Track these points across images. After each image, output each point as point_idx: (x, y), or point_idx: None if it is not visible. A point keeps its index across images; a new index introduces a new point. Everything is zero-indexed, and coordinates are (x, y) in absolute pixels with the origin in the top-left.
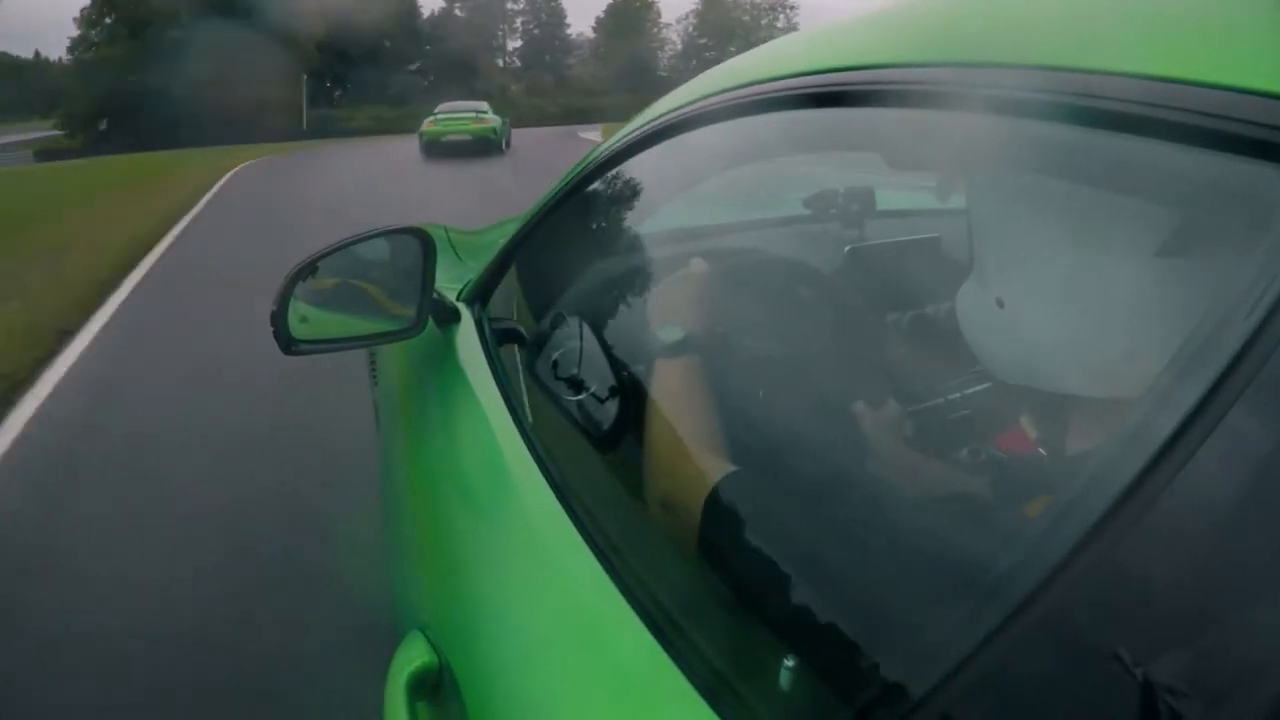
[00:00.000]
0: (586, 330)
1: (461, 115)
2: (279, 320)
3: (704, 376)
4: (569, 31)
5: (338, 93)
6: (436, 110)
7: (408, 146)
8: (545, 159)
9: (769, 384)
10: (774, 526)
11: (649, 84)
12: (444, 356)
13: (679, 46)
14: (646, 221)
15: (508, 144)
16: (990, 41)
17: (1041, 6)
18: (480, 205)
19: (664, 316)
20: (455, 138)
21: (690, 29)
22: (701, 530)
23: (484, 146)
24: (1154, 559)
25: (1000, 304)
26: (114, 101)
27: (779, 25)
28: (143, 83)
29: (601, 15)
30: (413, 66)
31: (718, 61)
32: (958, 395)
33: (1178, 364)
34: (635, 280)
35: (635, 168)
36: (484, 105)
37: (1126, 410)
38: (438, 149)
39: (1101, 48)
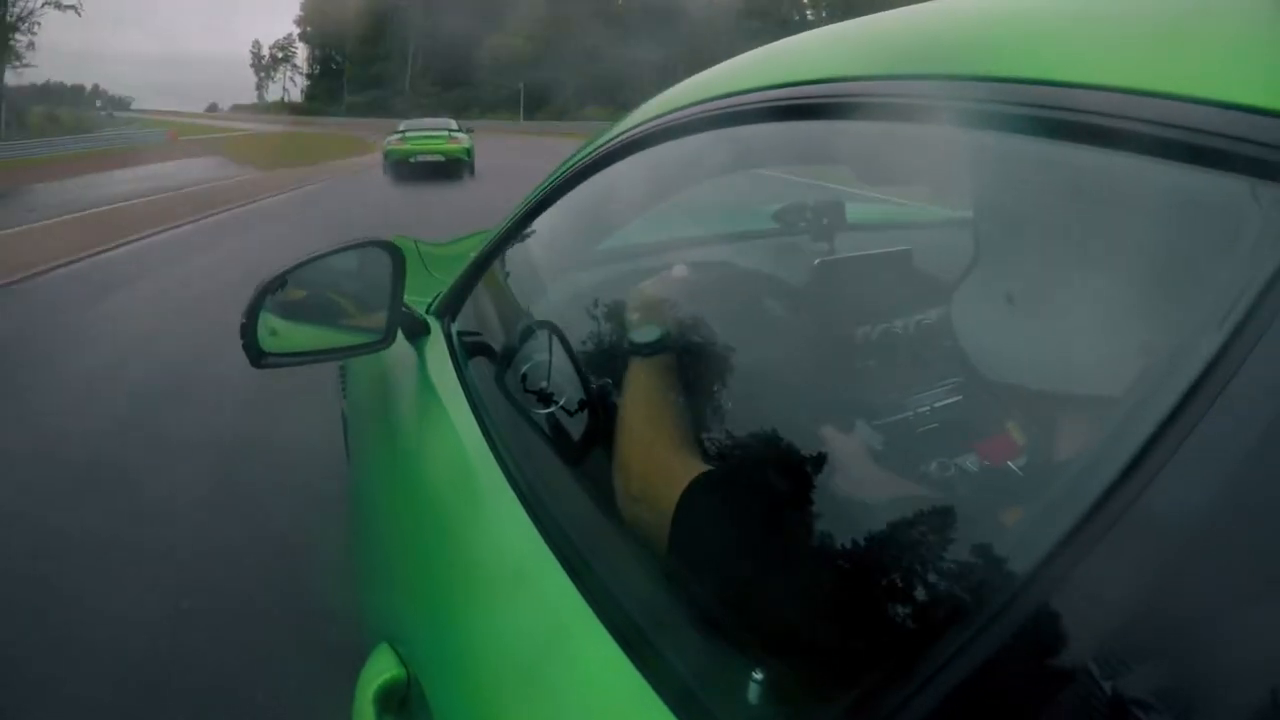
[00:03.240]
0: (555, 343)
1: (434, 134)
2: (248, 333)
3: (673, 390)
4: None
5: None
6: (401, 126)
7: None
8: None
9: (739, 397)
10: (743, 540)
11: None
12: (413, 369)
13: None
14: (616, 234)
15: (472, 169)
16: (964, 54)
17: (1014, 21)
18: None
19: (634, 329)
20: (426, 158)
21: None
22: (670, 543)
23: (456, 168)
24: (1137, 564)
25: (1010, 300)
26: None
27: None
28: None
29: None
30: None
31: None
32: (927, 408)
33: (1161, 368)
34: (604, 293)
35: (605, 181)
36: (453, 123)
37: (1106, 417)
38: (405, 170)
39: (1076, 61)
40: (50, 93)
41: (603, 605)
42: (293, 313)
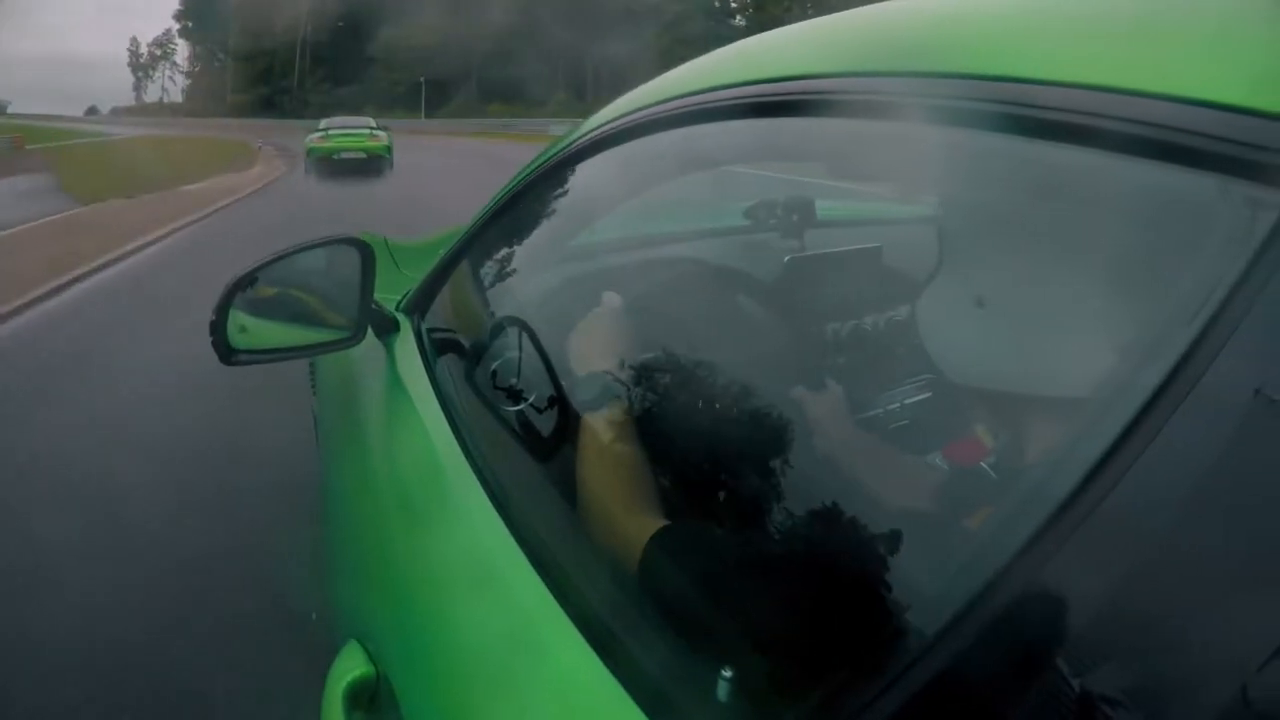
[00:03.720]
0: (525, 340)
1: (356, 131)
2: (218, 330)
3: (643, 387)
4: None
5: None
6: (322, 124)
7: None
8: None
9: (708, 394)
10: (712, 537)
11: None
12: (383, 366)
13: None
14: (586, 231)
15: (391, 164)
16: (937, 52)
17: (985, 18)
18: None
19: (602, 332)
20: (350, 155)
21: None
22: (640, 541)
23: (377, 164)
24: (1106, 563)
25: (978, 300)
26: None
27: None
28: None
29: None
30: None
31: None
32: (898, 405)
33: (1130, 368)
34: (575, 290)
35: (576, 177)
36: (372, 121)
37: (1076, 416)
38: (329, 167)
39: (1045, 58)
40: None
41: (572, 603)
42: (262, 310)
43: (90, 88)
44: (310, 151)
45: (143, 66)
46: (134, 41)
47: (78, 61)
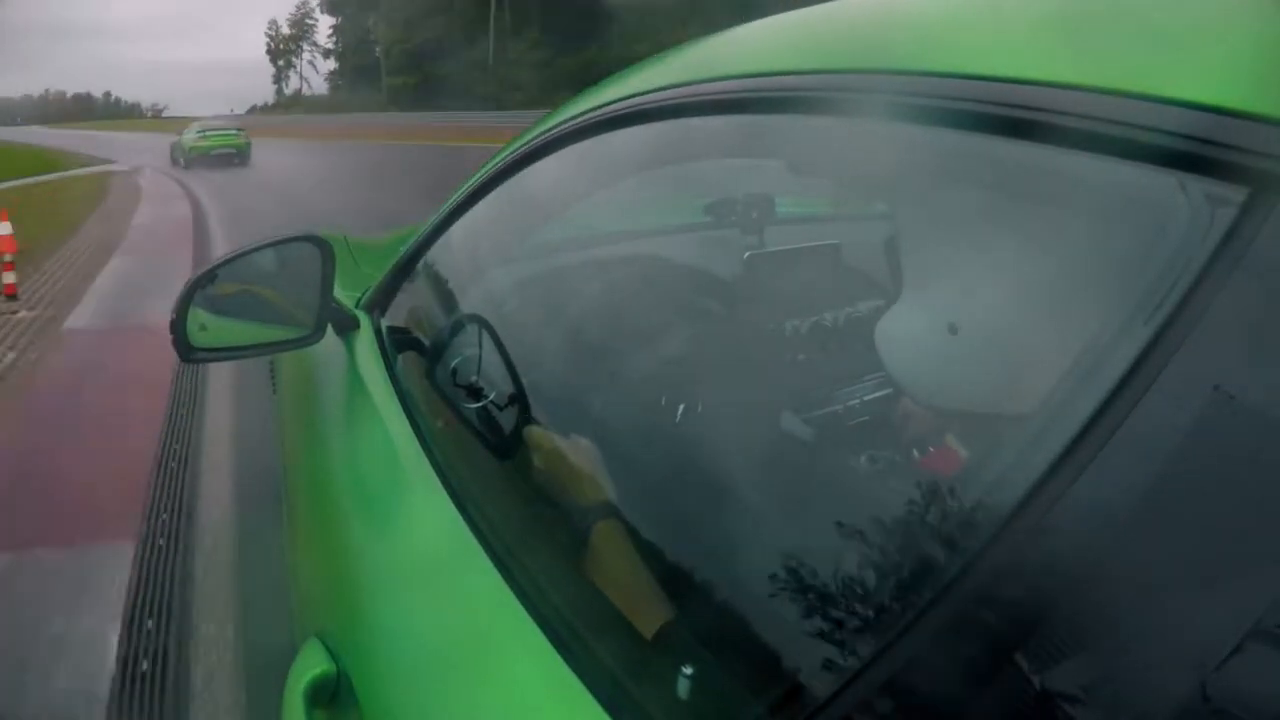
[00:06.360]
0: (485, 337)
1: (226, 131)
2: (178, 328)
3: (603, 384)
4: None
5: None
6: (197, 127)
7: None
8: None
9: (666, 391)
10: (671, 535)
11: None
12: (343, 364)
13: None
14: (546, 228)
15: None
16: (900, 49)
17: (941, 15)
18: None
19: (561, 330)
20: (222, 151)
21: None
22: (600, 539)
23: (243, 157)
24: (1061, 561)
25: (953, 330)
26: None
27: None
28: None
29: None
30: None
31: None
32: (857, 402)
33: (1090, 367)
34: (534, 287)
35: (536, 174)
36: (234, 125)
37: (1036, 415)
38: (205, 162)
39: (1010, 55)
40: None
41: (532, 600)
42: (223, 307)
43: (256, 87)
44: (190, 149)
45: (282, 53)
46: (272, 24)
47: (235, 64)
